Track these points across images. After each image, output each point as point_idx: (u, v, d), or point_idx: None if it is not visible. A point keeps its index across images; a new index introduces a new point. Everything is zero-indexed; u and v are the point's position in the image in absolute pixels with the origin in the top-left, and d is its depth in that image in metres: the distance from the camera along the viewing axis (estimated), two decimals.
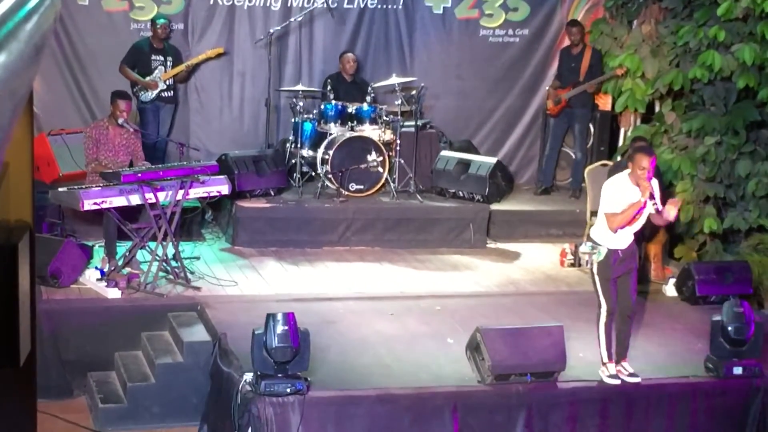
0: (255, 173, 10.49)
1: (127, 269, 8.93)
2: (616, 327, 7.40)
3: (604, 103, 11.85)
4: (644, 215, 7.22)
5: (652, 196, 7.06)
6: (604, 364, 7.40)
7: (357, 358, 7.64)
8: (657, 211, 7.11)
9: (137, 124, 10.31)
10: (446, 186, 11.01)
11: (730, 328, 7.43)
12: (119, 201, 8.59)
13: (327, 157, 10.55)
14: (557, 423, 7.25)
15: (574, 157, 11.73)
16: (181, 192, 8.79)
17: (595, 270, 7.33)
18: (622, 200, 7.13)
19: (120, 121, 9.15)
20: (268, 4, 11.48)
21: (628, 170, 7.19)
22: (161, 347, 8.14)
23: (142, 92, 10.78)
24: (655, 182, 7.24)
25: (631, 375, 7.39)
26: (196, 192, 8.99)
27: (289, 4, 11.50)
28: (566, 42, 11.74)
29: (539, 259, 10.40)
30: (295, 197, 10.65)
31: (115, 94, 9.37)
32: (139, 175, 8.60)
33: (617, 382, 7.37)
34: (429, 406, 7.04)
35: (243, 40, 11.51)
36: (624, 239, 7.27)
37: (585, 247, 7.44)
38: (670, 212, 7.19)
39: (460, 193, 10.94)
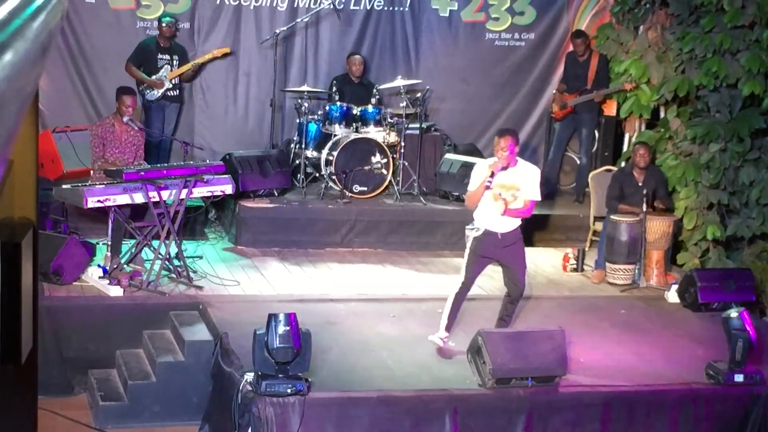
0: (259, 173, 10.49)
1: (130, 267, 8.94)
2: (501, 307, 7.84)
3: (609, 108, 11.85)
4: (519, 200, 7.55)
5: (491, 177, 7.45)
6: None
7: (358, 359, 7.65)
8: (487, 187, 7.50)
9: (142, 122, 10.33)
10: (450, 189, 11.00)
11: (743, 337, 7.40)
12: (123, 199, 8.59)
13: (331, 158, 10.55)
14: (557, 427, 7.25)
15: (578, 161, 11.74)
16: (185, 191, 8.80)
17: (469, 244, 7.69)
18: (479, 180, 7.60)
19: (125, 119, 9.15)
20: (274, 5, 11.49)
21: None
22: (162, 346, 8.14)
23: (148, 91, 10.79)
24: (531, 170, 7.65)
25: None
26: (200, 191, 8.99)
27: (295, 5, 11.51)
28: (571, 48, 11.73)
29: (542, 264, 10.39)
30: (298, 198, 10.66)
31: (120, 90, 9.38)
32: (142, 173, 8.60)
33: (439, 343, 7.72)
34: (430, 409, 7.04)
35: (249, 40, 11.51)
36: (502, 223, 7.59)
37: (469, 226, 7.78)
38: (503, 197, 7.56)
39: (464, 196, 10.93)
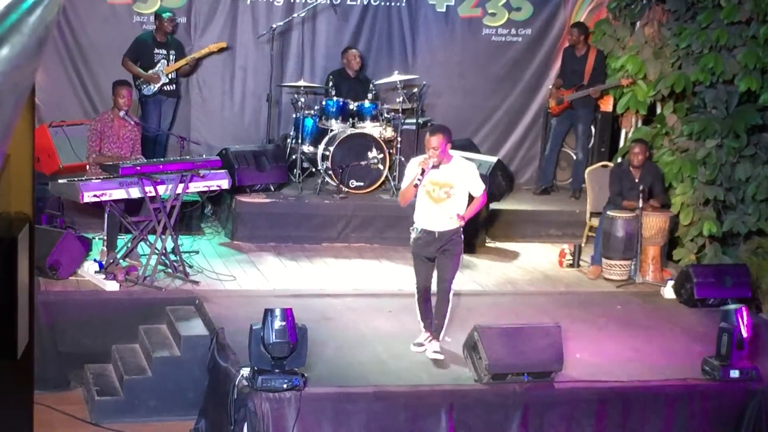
0: (255, 168, 10.49)
1: (126, 262, 8.93)
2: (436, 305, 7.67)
3: (606, 104, 11.85)
4: (462, 199, 7.50)
5: (422, 175, 7.37)
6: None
7: (354, 354, 7.65)
8: (416, 185, 7.41)
9: (139, 117, 10.32)
10: None
11: (735, 333, 7.41)
12: (119, 194, 8.59)
13: (327, 153, 10.55)
14: (553, 423, 7.25)
15: (574, 157, 11.74)
16: (181, 186, 8.79)
17: (411, 247, 7.66)
18: (409, 179, 7.53)
19: (121, 113, 9.15)
20: (271, 0, 11.48)
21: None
22: (158, 341, 8.14)
23: (145, 85, 10.77)
24: (466, 166, 7.63)
25: (435, 352, 7.56)
26: (196, 186, 8.99)
27: (292, 0, 11.50)
28: (568, 42, 11.74)
29: (538, 259, 10.40)
30: (294, 193, 10.65)
31: (116, 82, 9.41)
32: (138, 168, 8.60)
33: (420, 350, 7.64)
34: (425, 404, 7.04)
35: (245, 35, 11.49)
36: (440, 222, 7.48)
37: (411, 227, 7.69)
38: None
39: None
